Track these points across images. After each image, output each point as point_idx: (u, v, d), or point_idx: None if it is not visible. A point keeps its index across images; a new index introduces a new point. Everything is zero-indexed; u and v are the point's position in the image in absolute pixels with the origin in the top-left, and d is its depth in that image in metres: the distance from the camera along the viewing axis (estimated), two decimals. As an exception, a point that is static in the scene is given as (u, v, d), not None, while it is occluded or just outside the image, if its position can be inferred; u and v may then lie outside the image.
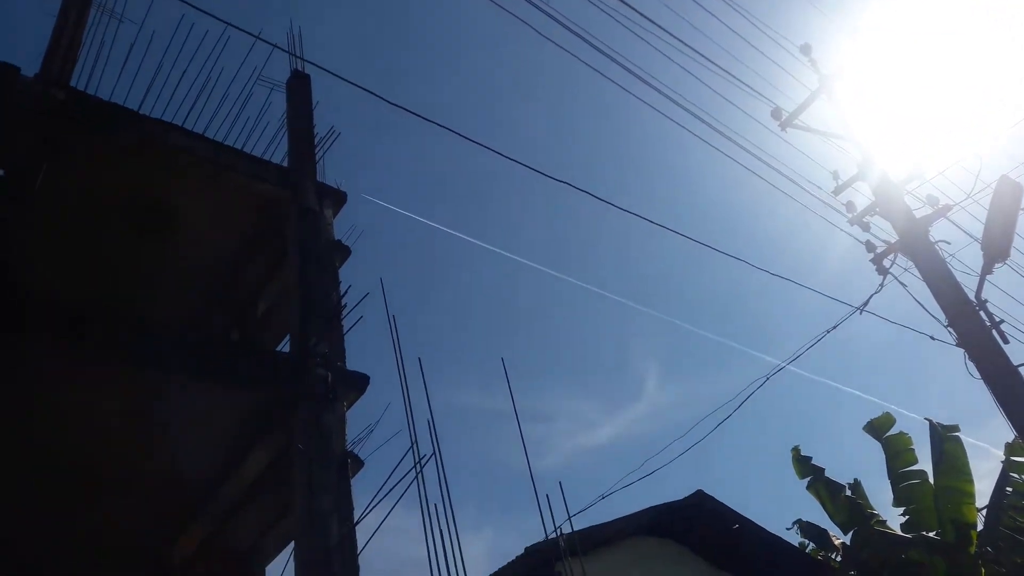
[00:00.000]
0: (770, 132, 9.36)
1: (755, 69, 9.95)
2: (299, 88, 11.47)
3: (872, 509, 14.15)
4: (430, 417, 6.04)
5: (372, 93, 5.41)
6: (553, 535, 6.22)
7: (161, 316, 10.08)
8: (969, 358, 7.33)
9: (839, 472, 15.02)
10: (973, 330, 7.39)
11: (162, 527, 8.68)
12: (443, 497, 5.55)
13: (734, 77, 9.16)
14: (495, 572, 7.47)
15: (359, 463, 7.47)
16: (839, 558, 14.27)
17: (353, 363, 8.34)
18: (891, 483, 13.78)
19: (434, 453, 5.80)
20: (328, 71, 5.46)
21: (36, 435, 7.60)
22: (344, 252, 9.93)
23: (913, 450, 13.81)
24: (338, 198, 10.35)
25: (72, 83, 9.04)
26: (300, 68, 11.59)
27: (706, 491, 10.86)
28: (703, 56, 9.02)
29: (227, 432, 7.97)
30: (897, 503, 13.79)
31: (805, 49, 10.15)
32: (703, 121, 8.62)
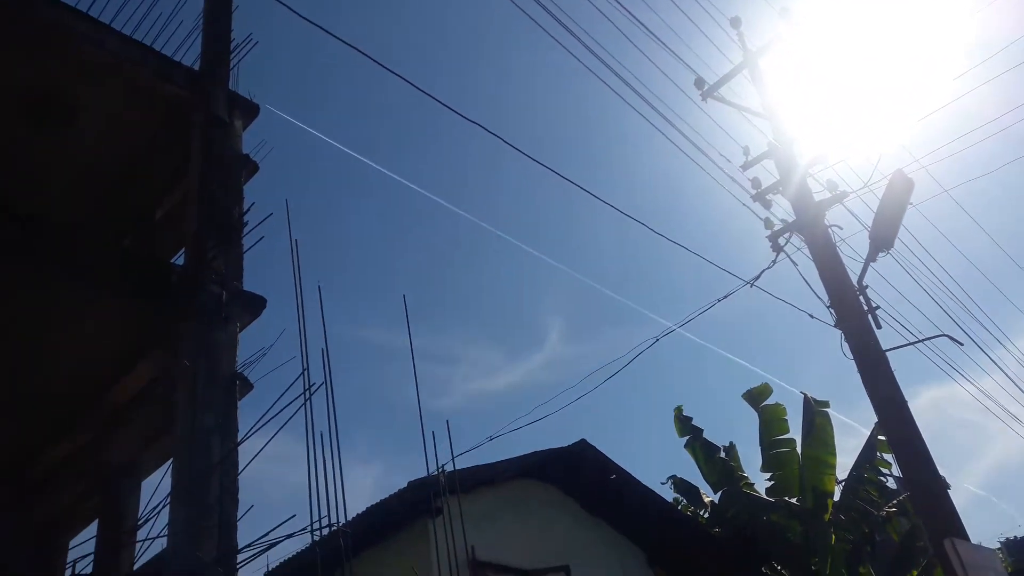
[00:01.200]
0: (691, 101, 9.53)
1: (684, 37, 10.06)
2: (219, -12, 10.85)
3: (742, 472, 15.03)
4: (324, 346, 5.98)
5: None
6: (436, 472, 6.31)
7: (54, 216, 9.54)
8: (845, 339, 7.78)
9: (717, 436, 15.88)
10: (852, 313, 7.82)
11: (35, 435, 8.34)
12: (330, 427, 5.55)
13: (661, 42, 9.22)
14: (377, 502, 7.54)
15: (248, 385, 7.34)
16: (707, 515, 15.16)
17: (251, 285, 8.15)
18: (762, 449, 14.64)
19: (325, 382, 5.76)
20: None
21: None
22: (251, 167, 9.55)
23: (786, 421, 14.69)
24: (250, 110, 9.91)
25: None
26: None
27: (590, 441, 11.25)
28: (634, 17, 9.02)
29: (112, 344, 7.67)
30: (765, 468, 14.68)
31: (735, 22, 10.31)
32: (627, 83, 8.68)
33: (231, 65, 10.12)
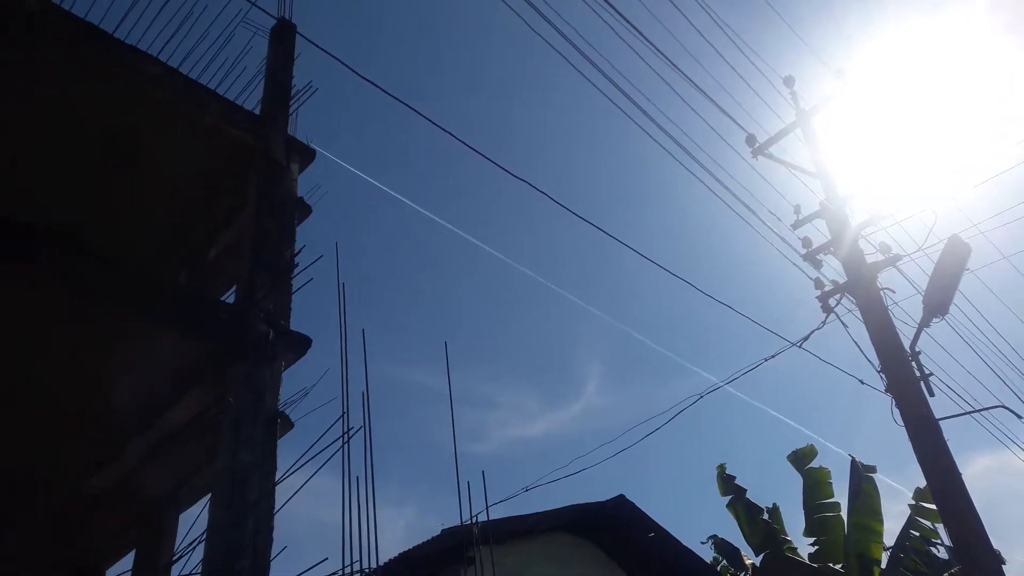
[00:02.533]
0: (741, 159, 9.52)
1: (735, 94, 10.09)
2: (283, 36, 11.24)
3: (786, 535, 14.58)
4: (365, 390, 6.04)
5: (354, 72, 5.34)
6: (470, 521, 6.27)
7: (115, 251, 9.87)
8: (896, 404, 7.57)
9: (760, 496, 15.43)
10: (903, 378, 7.62)
11: (78, 463, 8.54)
12: (366, 471, 5.57)
13: (712, 100, 9.27)
14: (410, 549, 7.51)
15: (289, 424, 7.44)
16: (747, 578, 14.74)
17: (298, 325, 8.30)
18: (805, 513, 14.21)
19: (364, 426, 5.81)
20: (319, 47, 5.36)
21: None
22: (305, 210, 9.83)
23: (831, 484, 14.26)
24: (306, 154, 10.21)
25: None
26: (287, 16, 11.41)
27: (628, 497, 11.06)
28: (684, 75, 9.11)
29: (160, 376, 7.85)
30: (808, 532, 14.24)
31: (788, 81, 10.31)
32: (674, 140, 8.72)
33: (291, 111, 10.51)
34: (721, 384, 9.77)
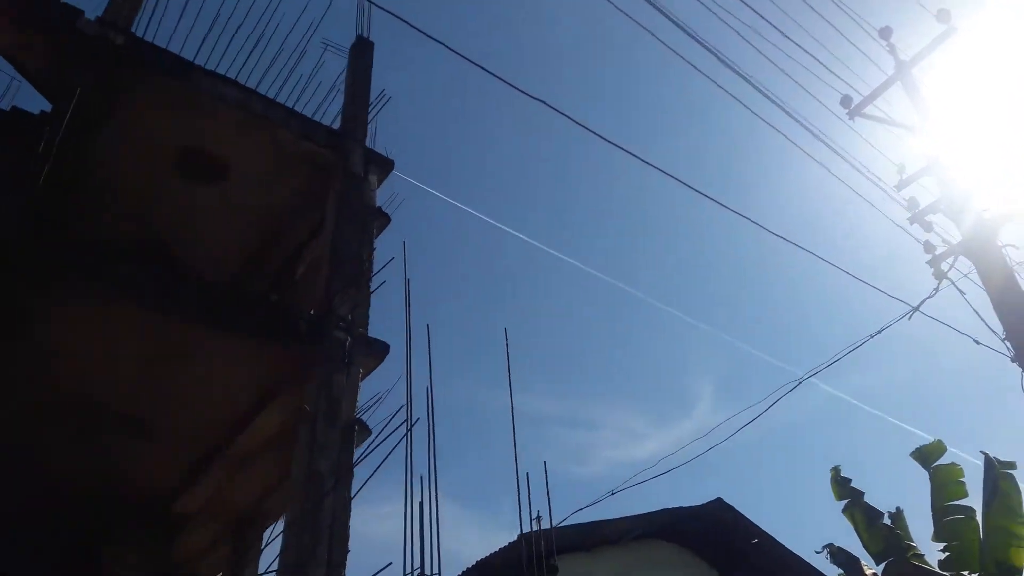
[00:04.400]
0: (838, 120, 8.83)
1: (829, 49, 9.34)
2: (362, 52, 11.45)
3: (911, 541, 13.44)
4: (429, 385, 5.91)
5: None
6: (538, 526, 5.98)
7: (204, 270, 10.24)
8: None
9: (880, 503, 14.31)
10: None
11: (169, 479, 8.82)
12: (430, 468, 5.41)
13: (805, 59, 8.63)
14: (486, 556, 7.26)
15: (366, 431, 7.40)
16: (870, 588, 13.67)
17: (375, 331, 8.30)
18: (933, 516, 13.03)
19: (428, 417, 5.66)
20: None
21: (58, 374, 7.77)
22: (383, 219, 9.91)
23: (963, 483, 13.00)
24: (385, 165, 10.29)
25: (132, 29, 9.20)
26: (365, 34, 11.63)
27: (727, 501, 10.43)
28: (776, 29, 8.52)
29: (243, 389, 8.01)
30: (938, 538, 13.03)
31: (885, 32, 9.46)
32: (769, 98, 8.15)
33: (369, 120, 10.64)
34: (823, 367, 8.98)
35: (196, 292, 7.39)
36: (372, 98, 10.69)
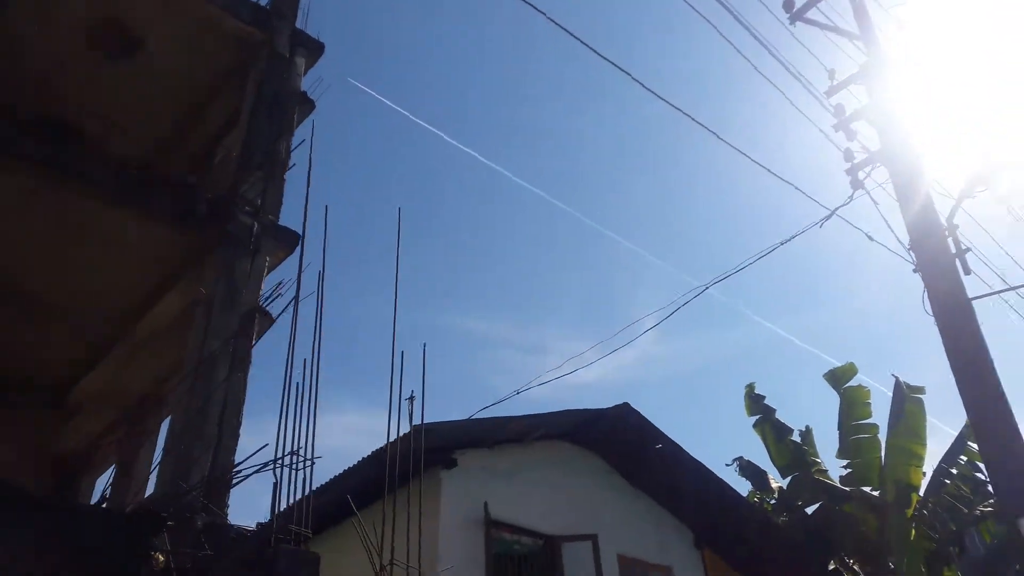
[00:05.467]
0: (779, 24, 8.62)
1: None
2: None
3: (816, 457, 13.99)
4: (321, 269, 5.74)
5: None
6: (411, 406, 5.95)
7: (117, 148, 9.74)
8: (926, 287, 6.82)
9: (792, 422, 14.70)
10: (936, 256, 6.83)
11: (65, 363, 8.58)
12: (315, 348, 5.29)
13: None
14: (379, 448, 7.20)
15: (269, 320, 7.22)
16: (774, 501, 14.25)
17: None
18: (839, 434, 13.53)
19: (319, 297, 5.53)
20: None
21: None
22: (308, 105, 9.47)
23: (869, 404, 13.51)
24: (314, 48, 9.77)
25: None
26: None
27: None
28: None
29: (143, 270, 7.72)
30: (842, 454, 13.59)
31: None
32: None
33: (299, 2, 10.03)
34: (731, 274, 8.97)
35: (91, 165, 6.98)
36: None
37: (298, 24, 9.84)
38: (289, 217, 8.36)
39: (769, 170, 8.42)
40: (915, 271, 6.93)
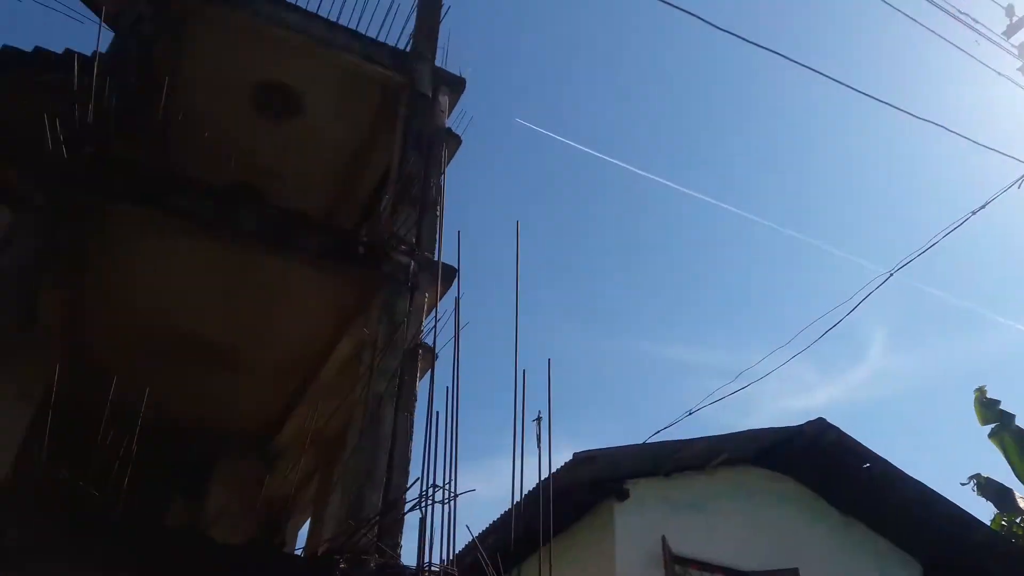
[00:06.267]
0: None
1: None
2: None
3: (1076, 467, 11.91)
4: (457, 295, 5.50)
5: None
6: (538, 427, 5.48)
7: (293, 206, 10.24)
8: None
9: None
10: None
11: (265, 412, 8.99)
12: (454, 379, 5.04)
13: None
14: (546, 477, 6.70)
15: (434, 356, 7.14)
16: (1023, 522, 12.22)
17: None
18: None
19: (455, 328, 5.30)
20: None
21: (147, 308, 7.97)
22: (454, 141, 9.51)
23: None
24: (456, 85, 9.83)
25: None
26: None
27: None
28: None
29: (319, 316, 7.94)
30: (1107, 463, 11.47)
31: None
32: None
33: (436, 37, 10.15)
34: (928, 247, 7.77)
35: (254, 217, 7.29)
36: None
37: (439, 62, 9.96)
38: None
39: (964, 136, 7.27)
40: None
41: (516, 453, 5.20)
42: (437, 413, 5.03)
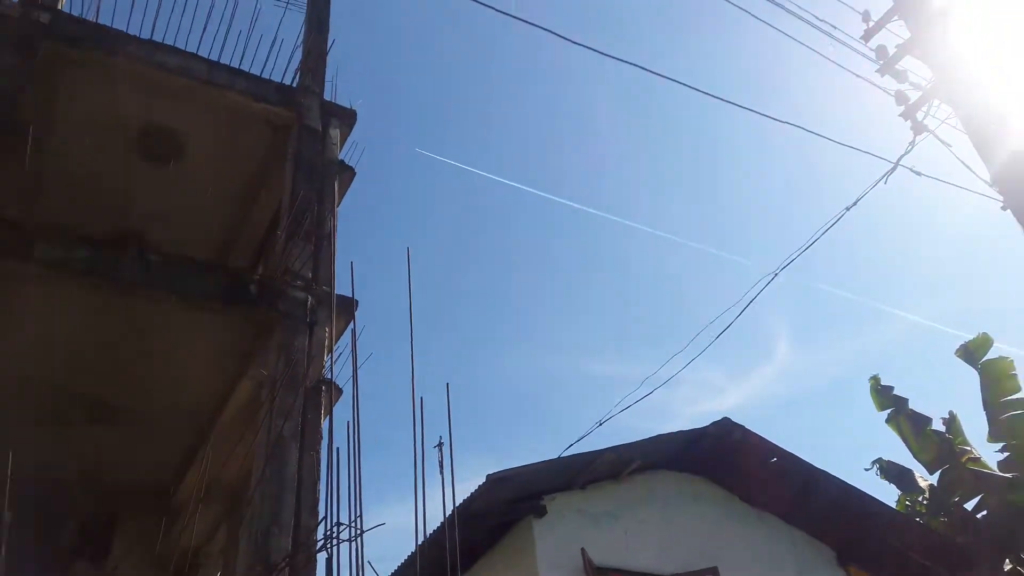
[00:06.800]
0: None
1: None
2: (315, 4, 10.88)
3: (966, 445, 12.57)
4: (352, 328, 5.43)
5: None
6: (440, 453, 5.46)
7: (180, 250, 9.90)
8: (1021, 223, 5.92)
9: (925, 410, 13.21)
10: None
11: (164, 467, 8.59)
12: (355, 414, 4.94)
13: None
14: (462, 502, 6.67)
15: (338, 392, 6.98)
16: (925, 501, 12.82)
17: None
18: (987, 415, 12.12)
19: (353, 363, 5.20)
20: None
21: (25, 363, 7.52)
22: (348, 173, 9.40)
23: (1015, 376, 12.09)
24: (347, 117, 9.75)
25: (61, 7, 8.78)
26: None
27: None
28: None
29: (211, 360, 7.66)
30: (994, 437, 12.13)
31: None
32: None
33: (325, 71, 10.06)
34: (799, 254, 8.15)
35: (136, 264, 6.99)
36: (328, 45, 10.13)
37: (327, 95, 9.85)
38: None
39: (826, 136, 7.66)
40: (1004, 208, 6.06)
41: (418, 483, 5.10)
42: (338, 449, 4.89)
